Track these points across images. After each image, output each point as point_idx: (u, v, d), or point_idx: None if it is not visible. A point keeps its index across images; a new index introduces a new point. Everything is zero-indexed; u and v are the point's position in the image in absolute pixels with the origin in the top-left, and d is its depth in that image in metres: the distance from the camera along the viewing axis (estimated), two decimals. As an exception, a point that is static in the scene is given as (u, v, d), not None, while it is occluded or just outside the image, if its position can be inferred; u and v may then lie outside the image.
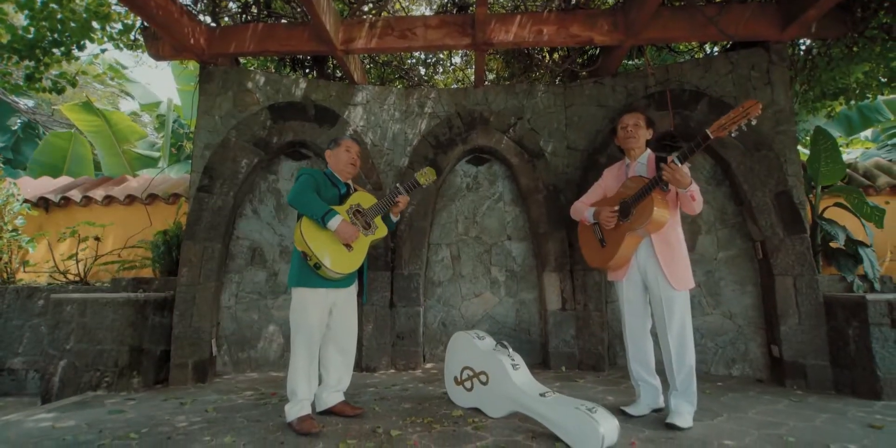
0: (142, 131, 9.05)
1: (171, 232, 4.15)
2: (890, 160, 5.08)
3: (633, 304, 2.61)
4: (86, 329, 3.43)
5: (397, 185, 2.71)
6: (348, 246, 2.50)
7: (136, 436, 2.34)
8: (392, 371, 3.86)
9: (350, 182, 2.77)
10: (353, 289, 2.68)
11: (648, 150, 2.66)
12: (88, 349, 3.41)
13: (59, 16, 3.56)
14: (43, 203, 5.00)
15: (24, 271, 4.75)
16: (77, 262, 4.57)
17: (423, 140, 4.27)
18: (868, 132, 9.04)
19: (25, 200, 4.83)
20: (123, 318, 3.45)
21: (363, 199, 2.68)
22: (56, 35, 3.67)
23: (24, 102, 10.90)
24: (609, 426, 2.09)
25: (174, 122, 9.34)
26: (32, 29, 3.56)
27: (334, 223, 2.44)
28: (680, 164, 2.27)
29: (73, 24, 3.61)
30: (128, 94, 11.03)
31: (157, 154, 9.07)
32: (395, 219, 2.76)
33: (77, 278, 4.55)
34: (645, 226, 2.38)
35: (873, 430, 2.36)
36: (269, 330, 4.06)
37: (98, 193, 4.94)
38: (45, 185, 5.40)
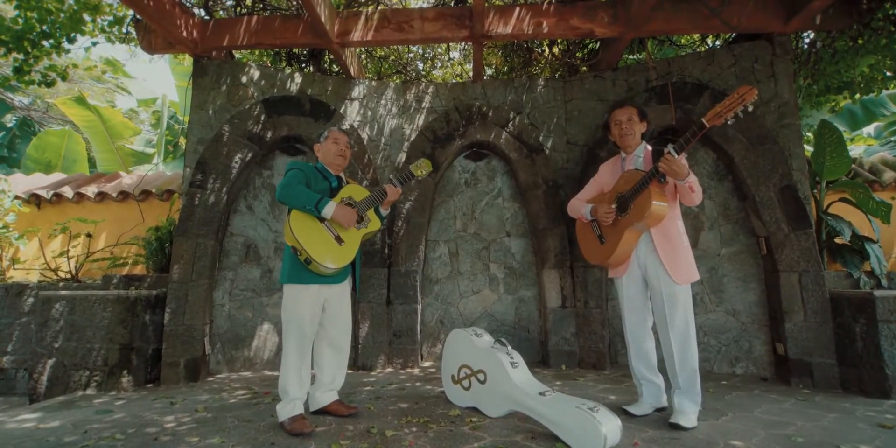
0: (135, 128, 8.96)
1: (163, 228, 4.07)
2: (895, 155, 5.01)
3: (633, 301, 2.54)
4: (74, 327, 3.36)
5: (391, 177, 2.63)
6: (339, 240, 2.42)
7: (122, 437, 2.26)
8: (389, 370, 3.78)
9: (342, 175, 2.69)
10: (346, 284, 2.59)
11: (644, 143, 2.59)
12: (77, 348, 3.33)
13: (48, 6, 3.47)
14: (35, 200, 4.92)
15: (14, 269, 4.67)
16: (68, 259, 4.49)
17: (421, 135, 4.19)
18: (871, 129, 8.98)
19: (16, 197, 4.75)
20: (113, 315, 3.37)
21: (355, 191, 2.60)
22: (45, 27, 3.58)
23: (20, 100, 10.80)
24: (611, 426, 2.02)
25: (171, 118, 9.25)
26: (21, 20, 3.47)
27: (329, 210, 2.37)
28: (676, 155, 2.20)
29: (62, 15, 3.53)
30: (125, 90, 10.94)
31: (152, 150, 8.98)
32: (384, 212, 2.67)
33: (68, 276, 4.47)
34: (644, 220, 2.31)
35: (884, 430, 2.29)
36: (264, 328, 3.98)
37: (90, 190, 4.86)
38: (37, 182, 5.31)
